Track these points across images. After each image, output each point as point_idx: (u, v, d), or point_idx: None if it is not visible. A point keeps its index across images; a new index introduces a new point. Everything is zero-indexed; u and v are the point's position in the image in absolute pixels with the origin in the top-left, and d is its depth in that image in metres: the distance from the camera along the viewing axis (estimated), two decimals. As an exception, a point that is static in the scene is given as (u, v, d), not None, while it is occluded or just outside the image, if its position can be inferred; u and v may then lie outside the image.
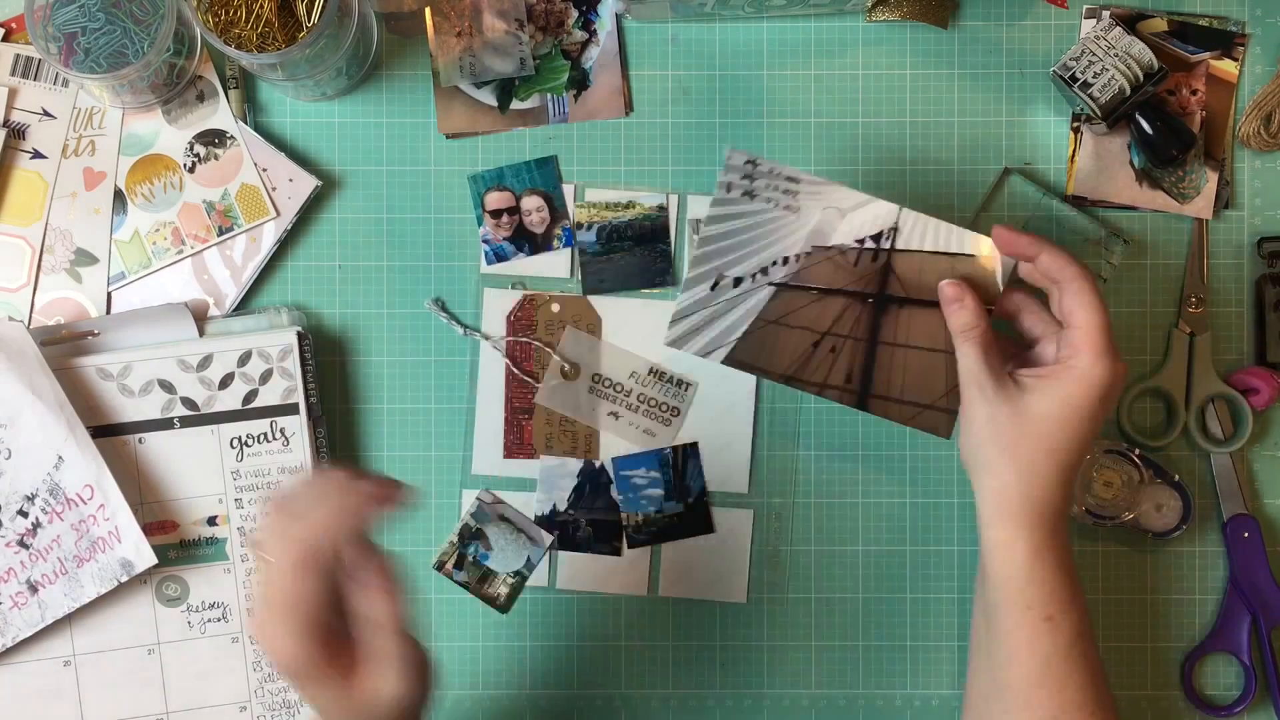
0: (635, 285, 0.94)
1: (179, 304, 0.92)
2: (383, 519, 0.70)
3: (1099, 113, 0.91)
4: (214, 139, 0.93)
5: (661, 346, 0.87)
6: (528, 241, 0.94)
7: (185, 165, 0.93)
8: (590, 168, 0.95)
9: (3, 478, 0.88)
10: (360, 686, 0.68)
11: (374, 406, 0.94)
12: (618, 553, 0.94)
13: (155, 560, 0.88)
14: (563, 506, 0.94)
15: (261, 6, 0.87)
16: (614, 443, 0.94)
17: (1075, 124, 0.95)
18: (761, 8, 0.92)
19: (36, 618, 0.88)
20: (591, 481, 0.94)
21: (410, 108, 0.95)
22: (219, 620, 0.91)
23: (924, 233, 0.85)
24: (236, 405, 0.91)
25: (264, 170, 0.93)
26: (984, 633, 0.81)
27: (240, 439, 0.91)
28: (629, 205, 0.94)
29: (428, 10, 0.94)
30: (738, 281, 0.85)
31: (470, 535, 0.94)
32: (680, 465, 0.94)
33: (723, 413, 0.94)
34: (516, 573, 0.94)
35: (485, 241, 0.94)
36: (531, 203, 0.94)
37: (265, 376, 0.91)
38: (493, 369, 0.94)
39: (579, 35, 0.94)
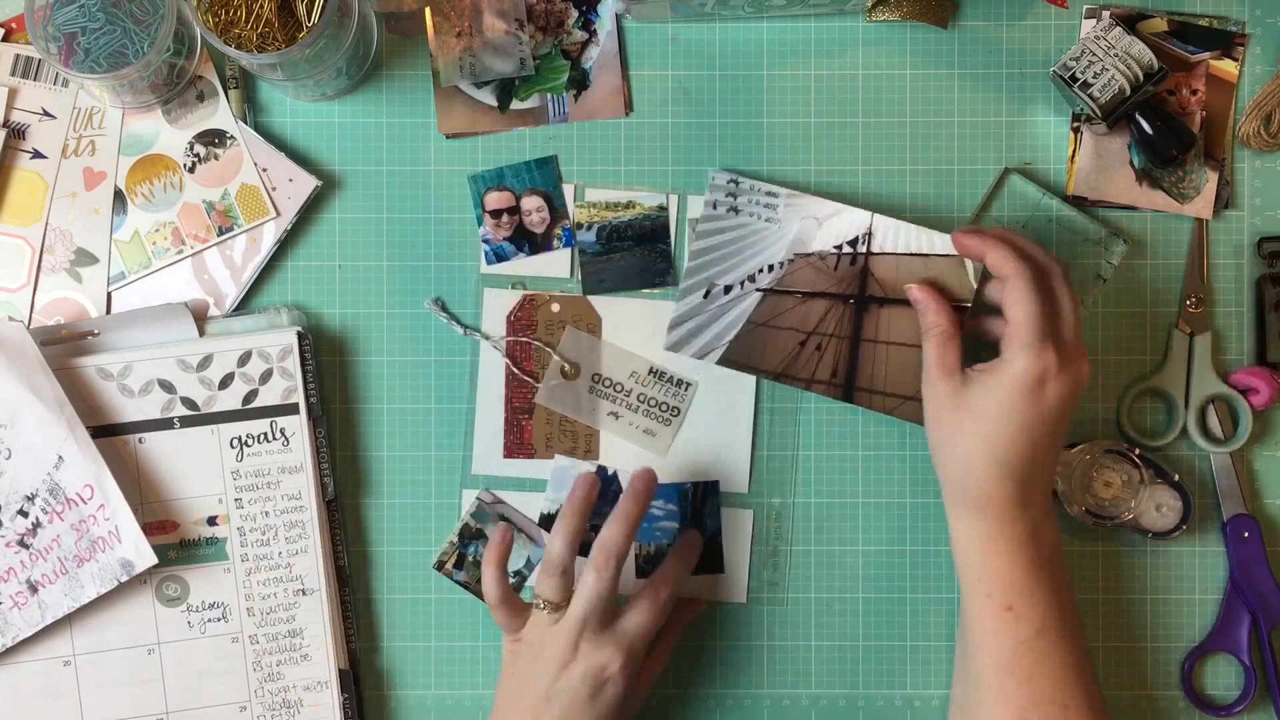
0: (635, 285, 0.94)
1: (179, 304, 0.92)
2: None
3: (1099, 113, 0.91)
4: (214, 139, 0.93)
5: (661, 347, 0.93)
6: (528, 241, 0.94)
7: (185, 165, 0.93)
8: (590, 168, 0.95)
9: (3, 478, 0.88)
10: None
11: (374, 406, 0.94)
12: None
13: (155, 560, 0.88)
14: (569, 509, 0.94)
15: (261, 6, 0.87)
16: (614, 443, 0.94)
17: (1075, 124, 0.95)
18: (761, 8, 0.92)
19: (36, 618, 0.88)
20: (601, 487, 0.94)
21: (410, 108, 0.95)
22: (219, 620, 0.91)
23: (896, 236, 0.92)
24: (236, 405, 0.91)
25: (264, 170, 0.93)
26: (960, 622, 0.85)
27: (240, 439, 0.91)
28: (629, 205, 0.94)
29: (428, 10, 0.94)
30: (728, 289, 0.93)
31: (470, 535, 0.94)
32: (699, 501, 0.94)
33: (723, 413, 0.94)
34: (516, 573, 0.94)
35: (485, 241, 0.94)
36: (531, 203, 0.94)
37: (265, 376, 0.91)
38: (493, 369, 0.94)
39: (579, 35, 0.94)
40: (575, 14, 0.94)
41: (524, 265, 0.94)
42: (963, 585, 0.84)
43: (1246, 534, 0.93)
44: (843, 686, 0.95)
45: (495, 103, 0.95)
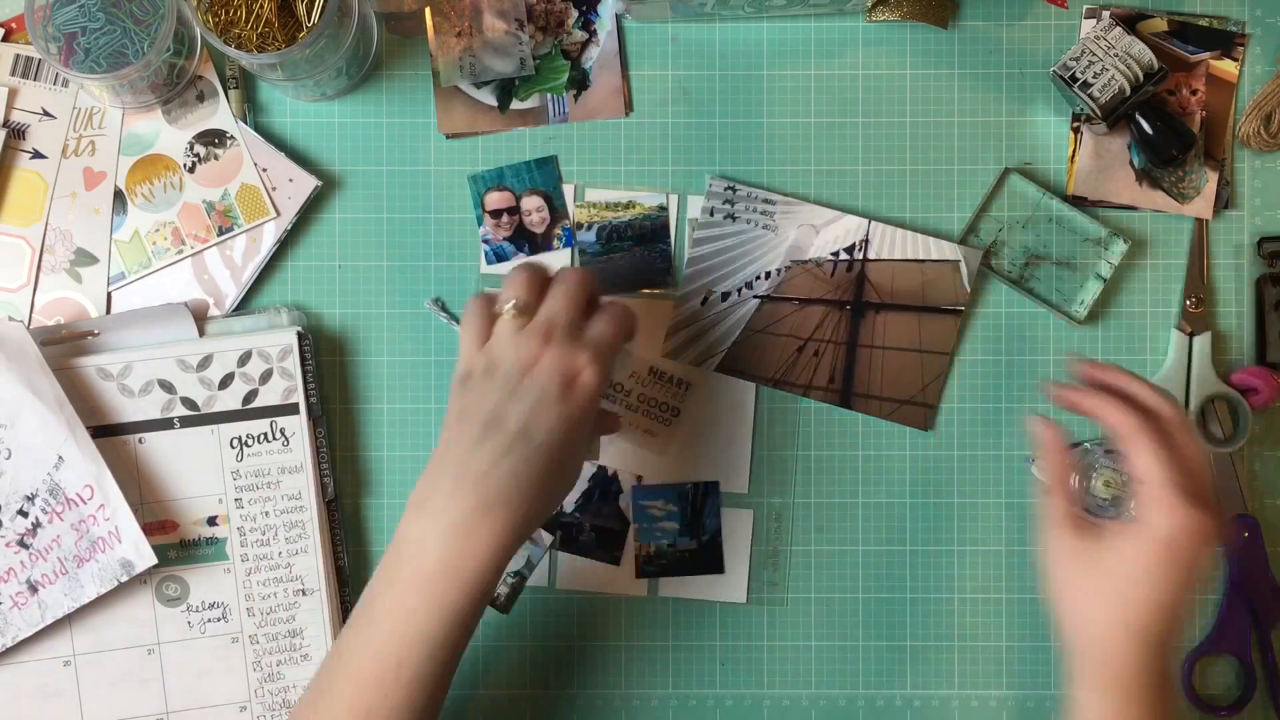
0: (635, 285, 0.94)
1: (179, 304, 0.92)
2: None
3: (1099, 113, 0.91)
4: (214, 139, 0.93)
5: (660, 349, 0.94)
6: (528, 241, 0.94)
7: (185, 165, 0.93)
8: (590, 168, 0.95)
9: (3, 478, 0.88)
10: None
11: (374, 406, 0.94)
12: (616, 561, 0.94)
13: (155, 560, 0.88)
14: (570, 508, 0.94)
15: (261, 6, 0.87)
16: (614, 443, 0.94)
17: (1075, 124, 0.95)
18: (761, 8, 0.92)
19: (36, 618, 0.88)
20: (602, 488, 0.94)
21: (410, 108, 0.95)
22: (219, 620, 0.91)
23: (893, 242, 0.93)
24: (236, 405, 0.91)
25: (264, 170, 0.93)
26: None
27: (240, 439, 0.91)
28: (629, 205, 0.94)
29: (428, 10, 0.94)
30: (725, 296, 0.93)
31: (470, 535, 0.94)
32: (699, 502, 0.94)
33: (723, 413, 0.94)
34: (516, 573, 0.94)
35: (485, 241, 0.94)
36: (531, 203, 0.94)
37: (265, 376, 0.91)
38: (493, 369, 0.94)
39: (579, 35, 0.94)
40: (575, 14, 0.94)
41: (524, 265, 0.94)
42: None
43: (1246, 534, 0.93)
44: (843, 686, 0.95)
45: (495, 103, 0.95)
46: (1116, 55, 0.90)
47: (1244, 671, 0.94)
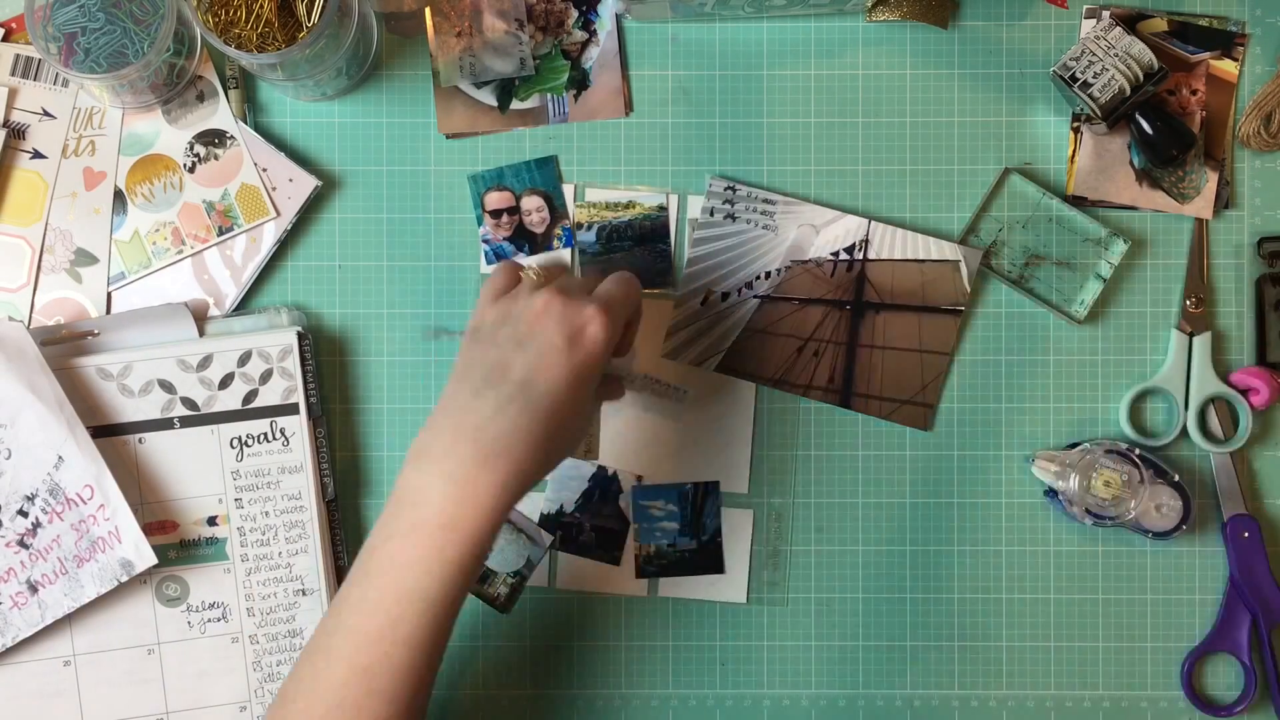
0: (635, 285, 0.94)
1: (179, 304, 0.92)
2: None
3: (1099, 113, 0.91)
4: (214, 139, 0.93)
5: (660, 349, 0.93)
6: (528, 241, 0.94)
7: (185, 165, 0.93)
8: (590, 168, 0.95)
9: (3, 478, 0.88)
10: None
11: (374, 406, 0.94)
12: (616, 562, 0.94)
13: (155, 560, 0.88)
14: (570, 508, 0.94)
15: (261, 6, 0.87)
16: (614, 443, 0.94)
17: (1075, 124, 0.95)
18: (761, 8, 0.92)
19: (36, 618, 0.88)
20: (602, 488, 0.94)
21: (410, 108, 0.95)
22: (219, 620, 0.91)
23: (893, 242, 0.93)
24: (236, 405, 0.91)
25: (264, 170, 0.93)
26: None
27: (240, 439, 0.91)
28: (629, 205, 0.94)
29: (428, 10, 0.94)
30: (725, 296, 0.93)
31: (470, 535, 0.94)
32: (699, 501, 0.94)
33: (723, 413, 0.94)
34: (516, 573, 0.94)
35: (485, 241, 0.94)
36: (531, 203, 0.94)
37: (265, 376, 0.91)
38: (493, 369, 0.94)
39: (579, 35, 0.94)
40: (575, 14, 0.94)
41: (524, 265, 0.94)
42: None
43: (1246, 534, 0.93)
44: (843, 686, 0.95)
45: (495, 103, 0.95)
46: (1116, 55, 0.90)
47: (1244, 672, 0.94)
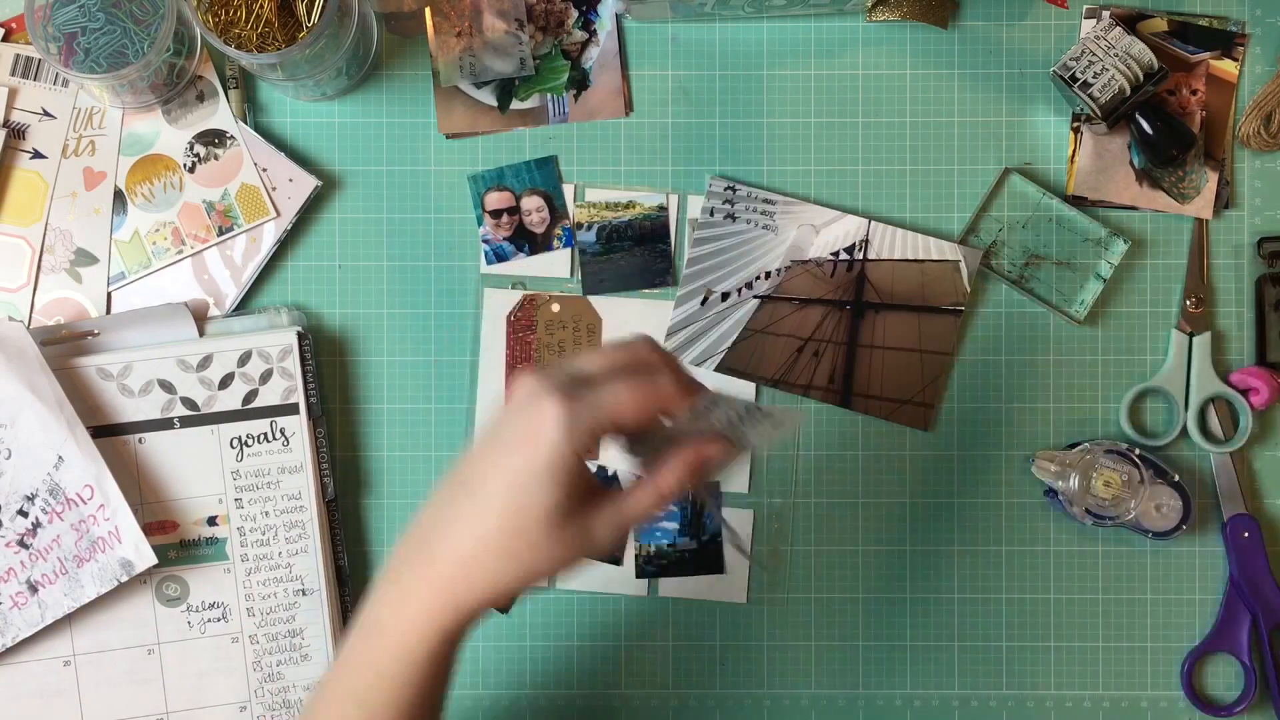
0: (635, 285, 0.94)
1: (179, 304, 0.92)
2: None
3: (1099, 113, 0.91)
4: (214, 139, 0.93)
5: None
6: (528, 241, 0.94)
7: (185, 165, 0.93)
8: (590, 168, 0.95)
9: (3, 478, 0.88)
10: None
11: (374, 406, 0.94)
12: (618, 562, 0.94)
13: (155, 560, 0.88)
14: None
15: (261, 6, 0.87)
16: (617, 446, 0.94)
17: (1075, 124, 0.95)
18: (761, 8, 0.92)
19: (36, 618, 0.88)
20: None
21: (410, 108, 0.95)
22: (219, 620, 0.91)
23: (893, 242, 0.93)
24: (236, 405, 0.91)
25: (264, 170, 0.93)
26: None
27: (240, 439, 0.91)
28: (629, 205, 0.94)
29: (428, 10, 0.94)
30: (725, 296, 0.93)
31: (470, 535, 0.94)
32: (699, 502, 0.94)
33: (723, 413, 0.94)
34: (516, 573, 0.94)
35: (485, 241, 0.94)
36: (531, 203, 0.94)
37: (265, 376, 0.91)
38: (493, 369, 0.94)
39: (579, 35, 0.94)
40: (575, 14, 0.94)
41: (524, 265, 0.94)
42: None
43: (1246, 534, 0.93)
44: (843, 686, 0.95)
45: (495, 103, 0.95)
46: (1116, 55, 0.90)
47: (1244, 672, 0.94)
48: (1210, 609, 0.95)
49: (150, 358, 0.91)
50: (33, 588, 0.88)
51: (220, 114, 0.93)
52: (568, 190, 0.94)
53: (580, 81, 0.94)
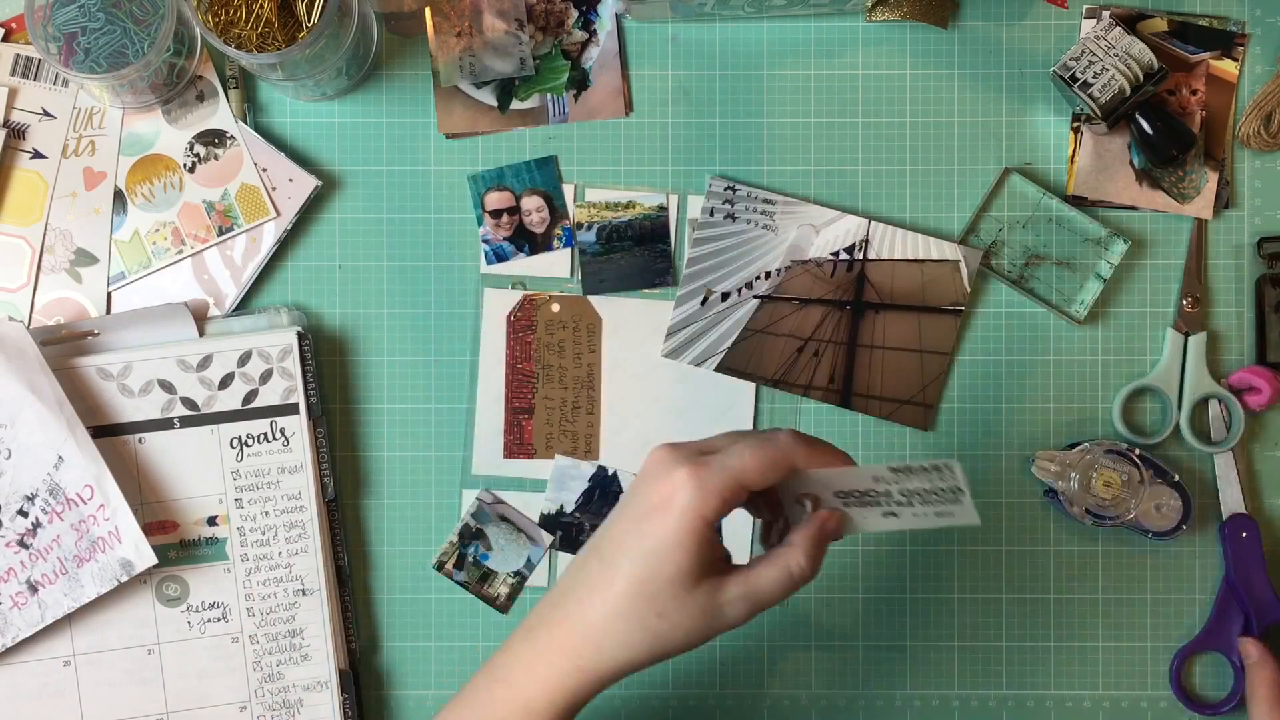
0: (635, 285, 0.94)
1: (179, 304, 0.92)
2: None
3: (1099, 113, 0.91)
4: (214, 139, 0.93)
5: (660, 349, 0.91)
6: (528, 241, 0.94)
7: (185, 165, 0.93)
8: (590, 168, 0.95)
9: (3, 478, 0.88)
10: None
11: (374, 406, 0.94)
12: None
13: (155, 560, 0.88)
14: (570, 508, 0.94)
15: (261, 6, 0.87)
16: (614, 443, 0.94)
17: (1075, 124, 0.95)
18: (761, 8, 0.92)
19: (36, 618, 0.88)
20: (602, 487, 0.94)
21: (410, 108, 0.95)
22: (219, 620, 0.91)
23: (893, 242, 0.93)
24: (236, 405, 0.91)
25: (264, 170, 0.93)
26: None
27: (240, 439, 0.91)
28: (629, 205, 0.94)
29: (428, 10, 0.94)
30: (725, 296, 0.93)
31: (470, 535, 0.94)
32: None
33: (723, 413, 0.94)
34: (516, 573, 0.94)
35: (485, 241, 0.94)
36: (531, 203, 0.94)
37: (265, 376, 0.91)
38: (493, 369, 0.94)
39: (579, 35, 0.94)
40: (575, 14, 0.94)
41: (524, 265, 0.94)
42: None
43: (1244, 534, 0.94)
44: (843, 686, 0.95)
45: (495, 103, 0.95)
46: (1116, 55, 0.90)
47: (1233, 671, 0.94)
48: (1203, 607, 0.95)
49: (150, 358, 0.91)
50: (33, 588, 0.88)
51: (220, 114, 0.93)
52: (568, 190, 0.94)
53: (580, 81, 0.94)
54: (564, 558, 0.94)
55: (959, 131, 0.95)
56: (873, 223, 0.94)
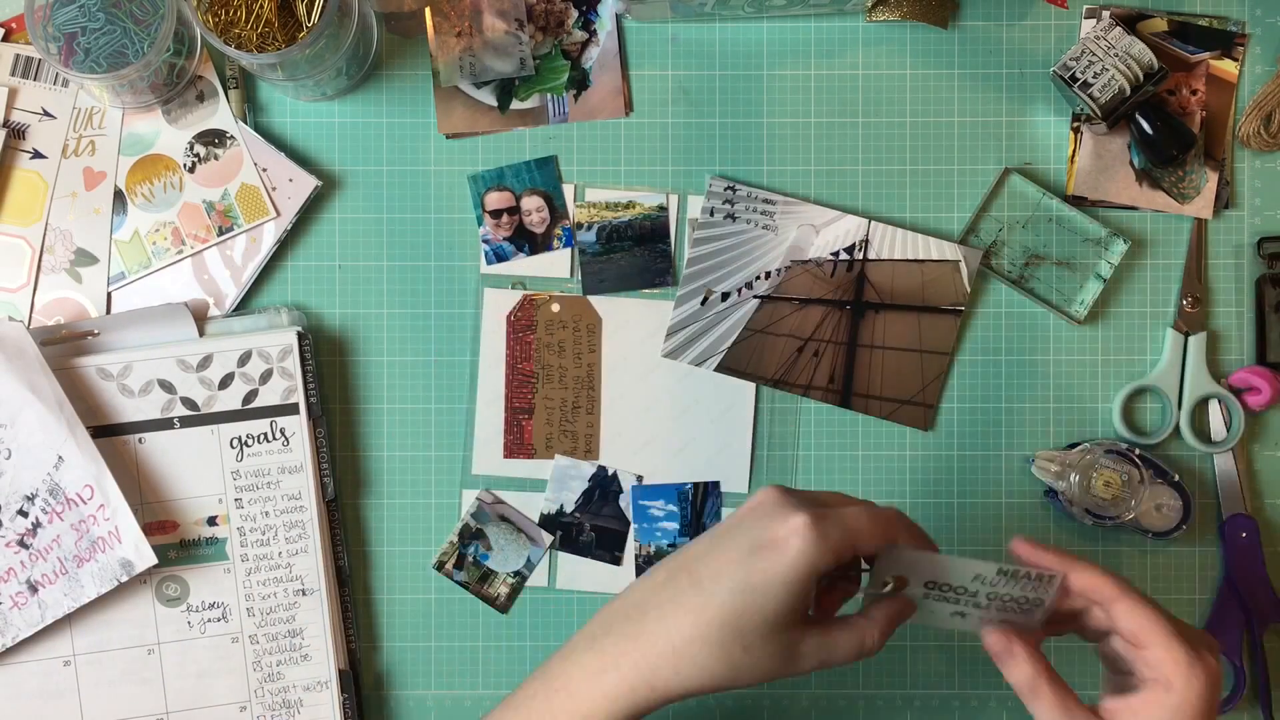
0: (635, 285, 0.94)
1: (179, 304, 0.92)
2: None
3: (1099, 113, 0.91)
4: (214, 139, 0.93)
5: (660, 350, 0.90)
6: (528, 241, 0.94)
7: (185, 165, 0.93)
8: (590, 168, 0.95)
9: (3, 478, 0.88)
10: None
11: (374, 406, 0.94)
12: (618, 562, 0.94)
13: (155, 560, 0.88)
14: (570, 508, 0.94)
15: (261, 6, 0.87)
16: (614, 443, 0.94)
17: (1075, 124, 0.95)
18: (761, 8, 0.92)
19: (36, 618, 0.88)
20: (602, 487, 0.94)
21: (410, 108, 0.95)
22: (219, 620, 0.91)
23: (893, 242, 0.93)
24: (236, 405, 0.91)
25: (264, 170, 0.93)
26: None
27: (240, 439, 0.91)
28: (629, 205, 0.94)
29: (428, 10, 0.94)
30: (725, 296, 0.93)
31: (470, 535, 0.94)
32: (699, 501, 0.94)
33: (723, 413, 0.94)
34: (516, 573, 0.94)
35: (485, 241, 0.94)
36: (531, 203, 0.94)
37: (265, 376, 0.91)
38: (493, 369, 0.94)
39: (579, 35, 0.94)
40: (575, 14, 0.94)
41: (524, 265, 0.94)
42: None
43: (1244, 534, 0.94)
44: (843, 686, 0.95)
45: (495, 103, 0.95)
46: (1116, 55, 0.90)
47: (1234, 672, 0.94)
48: (1203, 608, 0.95)
49: (150, 358, 0.91)
50: (33, 588, 0.88)
51: (220, 114, 0.93)
52: (568, 190, 0.94)
53: (580, 81, 0.94)
54: (564, 558, 0.94)
55: (959, 131, 0.95)
56: (873, 223, 0.94)
